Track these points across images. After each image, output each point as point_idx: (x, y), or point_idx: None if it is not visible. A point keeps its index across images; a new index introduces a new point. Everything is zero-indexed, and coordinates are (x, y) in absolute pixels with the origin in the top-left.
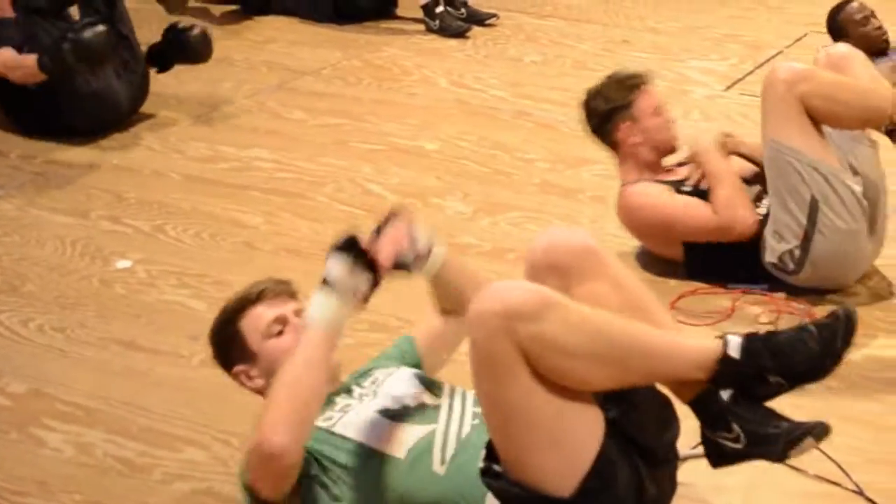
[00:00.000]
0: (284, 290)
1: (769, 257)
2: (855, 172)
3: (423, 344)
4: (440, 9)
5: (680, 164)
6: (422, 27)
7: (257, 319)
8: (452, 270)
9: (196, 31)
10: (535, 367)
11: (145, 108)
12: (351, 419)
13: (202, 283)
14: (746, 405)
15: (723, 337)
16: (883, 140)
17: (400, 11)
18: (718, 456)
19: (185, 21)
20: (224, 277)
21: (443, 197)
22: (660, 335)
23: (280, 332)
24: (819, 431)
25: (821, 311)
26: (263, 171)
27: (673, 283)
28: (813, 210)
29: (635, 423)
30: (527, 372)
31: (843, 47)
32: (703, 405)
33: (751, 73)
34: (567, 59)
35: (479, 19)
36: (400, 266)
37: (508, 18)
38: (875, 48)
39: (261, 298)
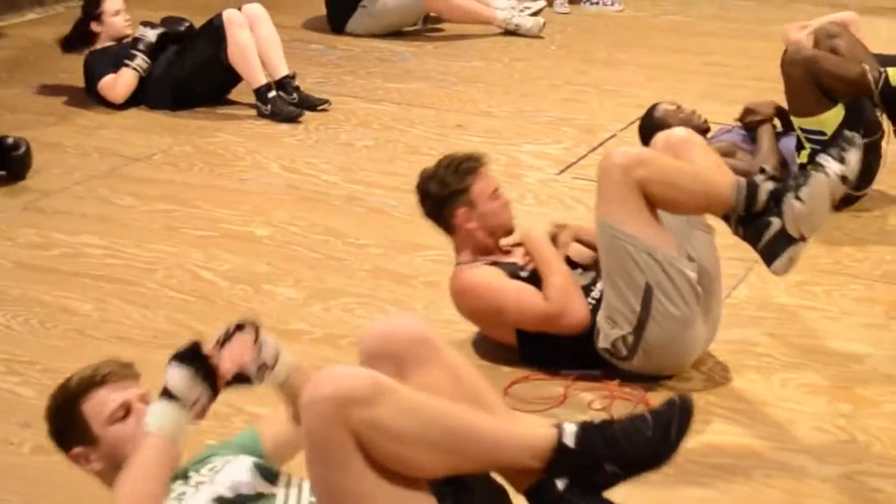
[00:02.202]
0: (129, 374)
1: (602, 343)
2: (690, 259)
3: (269, 443)
4: (272, 94)
5: (517, 245)
6: (254, 112)
7: (101, 405)
8: (301, 378)
9: (21, 150)
10: (367, 452)
11: None
12: None
13: (32, 371)
14: (581, 494)
15: (558, 425)
16: (719, 225)
17: (232, 96)
18: None
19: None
20: (54, 365)
21: (274, 283)
22: (494, 423)
23: (123, 417)
24: None
25: (655, 397)
26: (94, 258)
27: (506, 369)
28: (647, 296)
29: None
30: (359, 458)
31: (682, 131)
32: (538, 494)
33: (584, 156)
34: (399, 144)
35: (312, 104)
36: (241, 379)
37: (341, 103)
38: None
39: (105, 382)
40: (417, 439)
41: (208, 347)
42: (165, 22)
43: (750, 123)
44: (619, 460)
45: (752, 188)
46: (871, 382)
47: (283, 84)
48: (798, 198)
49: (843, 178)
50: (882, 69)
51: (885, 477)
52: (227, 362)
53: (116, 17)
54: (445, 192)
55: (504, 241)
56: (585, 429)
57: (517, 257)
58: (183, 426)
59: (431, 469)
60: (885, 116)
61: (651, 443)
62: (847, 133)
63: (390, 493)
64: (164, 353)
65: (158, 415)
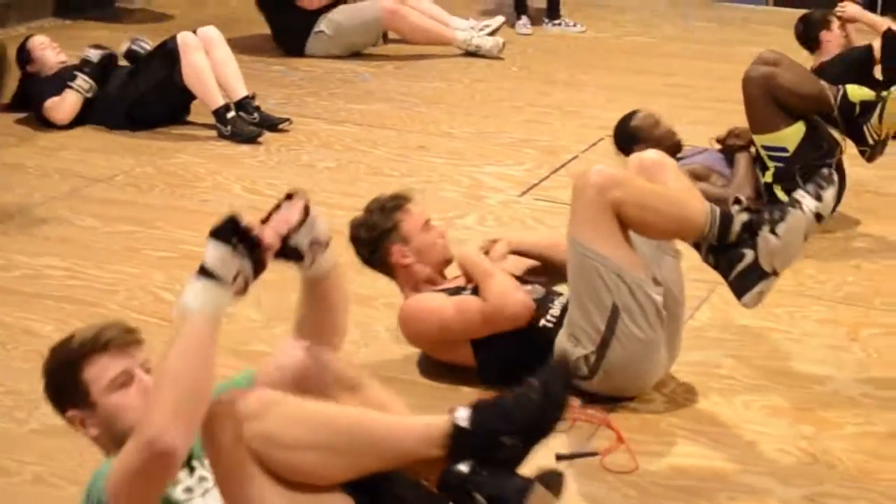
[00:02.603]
0: (132, 340)
1: None
2: (657, 282)
3: (266, 384)
4: (231, 114)
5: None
6: (215, 133)
7: (102, 370)
8: (336, 286)
9: None
10: (268, 467)
11: None
12: None
13: None
14: (489, 472)
15: (451, 409)
16: (682, 246)
17: (192, 117)
18: None
19: None
20: (16, 387)
21: (234, 304)
22: (389, 418)
23: (124, 385)
24: (551, 481)
25: (617, 418)
26: (55, 279)
27: (466, 390)
28: (613, 317)
29: None
30: (262, 475)
31: (655, 153)
32: (446, 482)
33: (546, 178)
34: (361, 165)
35: (272, 124)
36: (291, 253)
37: (302, 124)
38: (670, 151)
39: (107, 347)
40: (311, 444)
41: (250, 220)
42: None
43: (730, 147)
44: (516, 430)
45: (727, 218)
46: (833, 404)
47: (244, 104)
48: (774, 232)
49: (818, 216)
50: (840, 85)
51: (847, 499)
52: (272, 232)
53: (45, 52)
54: (375, 233)
55: (449, 272)
56: (477, 408)
57: (460, 282)
58: (222, 304)
59: (333, 473)
60: (843, 134)
61: (540, 406)
62: (825, 171)
63: (295, 500)
64: None
65: (194, 293)
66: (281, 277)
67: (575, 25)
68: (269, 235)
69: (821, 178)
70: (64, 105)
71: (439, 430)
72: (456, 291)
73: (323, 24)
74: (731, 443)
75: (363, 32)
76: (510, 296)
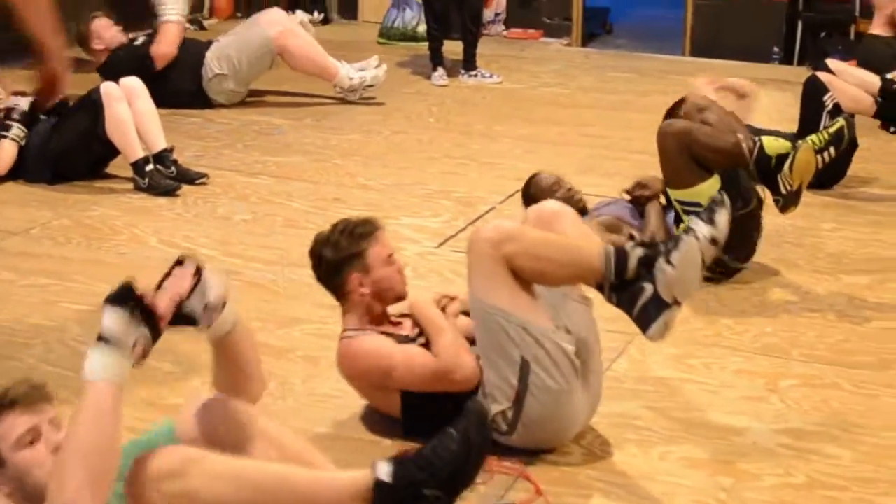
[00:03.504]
0: (40, 397)
1: None
2: (567, 331)
3: (185, 441)
4: (150, 167)
5: (405, 316)
6: (132, 185)
7: (10, 429)
8: (242, 339)
9: None
10: None
11: None
12: None
13: None
14: None
15: (373, 464)
16: (598, 298)
17: (110, 169)
18: None
19: None
20: None
21: (153, 357)
22: (312, 473)
23: (31, 443)
24: None
25: (535, 470)
26: None
27: (388, 442)
28: (524, 371)
29: None
30: None
31: (553, 204)
32: None
33: (463, 229)
34: (278, 218)
35: (190, 178)
36: (185, 319)
37: (219, 177)
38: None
39: (14, 405)
40: (234, 501)
41: (144, 287)
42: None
43: (639, 198)
44: (437, 481)
45: (622, 255)
46: (751, 455)
47: (161, 157)
48: (669, 262)
49: (714, 240)
50: (757, 138)
51: None
52: (165, 300)
53: None
54: (340, 256)
55: (392, 309)
56: (398, 462)
57: (407, 330)
58: (125, 371)
59: None
60: (762, 186)
61: (458, 455)
62: (715, 195)
63: None
64: None
65: (96, 362)
66: (197, 331)
67: (491, 76)
68: (163, 305)
69: (712, 202)
70: (2, 155)
71: (362, 485)
72: (405, 340)
73: (215, 67)
74: (647, 495)
75: (258, 60)
76: (463, 358)
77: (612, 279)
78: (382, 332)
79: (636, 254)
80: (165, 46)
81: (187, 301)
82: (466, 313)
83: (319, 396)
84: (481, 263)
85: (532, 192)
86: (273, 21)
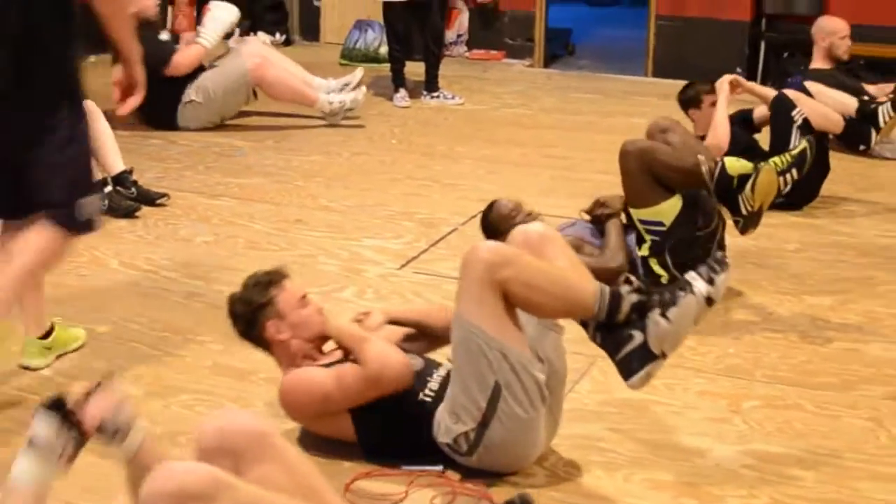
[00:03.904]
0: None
1: (443, 437)
2: (540, 360)
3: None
4: (109, 189)
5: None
6: None
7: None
8: (151, 457)
9: None
10: None
11: None
12: None
13: None
14: None
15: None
16: (568, 323)
17: None
18: None
19: None
20: None
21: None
22: None
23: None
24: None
25: (497, 492)
26: None
27: (347, 464)
28: (495, 396)
29: None
30: None
31: (540, 226)
32: None
33: (425, 251)
34: (240, 239)
35: (150, 199)
36: (103, 432)
37: (180, 198)
38: None
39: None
40: None
41: (73, 399)
42: None
43: (599, 217)
44: None
45: (616, 298)
46: (715, 477)
47: (121, 179)
48: (665, 316)
49: (710, 300)
50: (718, 159)
51: None
52: (92, 412)
53: None
54: (251, 308)
55: (326, 347)
56: None
57: (338, 356)
58: (49, 477)
59: None
60: (720, 204)
61: None
62: (718, 254)
63: None
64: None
65: (23, 466)
66: (159, 353)
67: (453, 98)
68: (91, 419)
69: (714, 262)
70: None
71: None
72: (336, 363)
73: (192, 93)
74: None
75: (234, 93)
76: (389, 357)
77: (602, 319)
78: (318, 366)
79: (630, 299)
80: (187, 59)
81: (106, 422)
82: (395, 322)
83: (282, 418)
84: (473, 284)
85: (491, 219)
86: (252, 53)
